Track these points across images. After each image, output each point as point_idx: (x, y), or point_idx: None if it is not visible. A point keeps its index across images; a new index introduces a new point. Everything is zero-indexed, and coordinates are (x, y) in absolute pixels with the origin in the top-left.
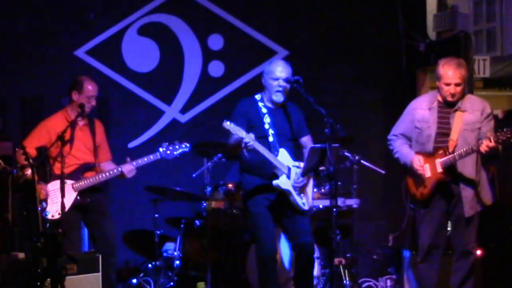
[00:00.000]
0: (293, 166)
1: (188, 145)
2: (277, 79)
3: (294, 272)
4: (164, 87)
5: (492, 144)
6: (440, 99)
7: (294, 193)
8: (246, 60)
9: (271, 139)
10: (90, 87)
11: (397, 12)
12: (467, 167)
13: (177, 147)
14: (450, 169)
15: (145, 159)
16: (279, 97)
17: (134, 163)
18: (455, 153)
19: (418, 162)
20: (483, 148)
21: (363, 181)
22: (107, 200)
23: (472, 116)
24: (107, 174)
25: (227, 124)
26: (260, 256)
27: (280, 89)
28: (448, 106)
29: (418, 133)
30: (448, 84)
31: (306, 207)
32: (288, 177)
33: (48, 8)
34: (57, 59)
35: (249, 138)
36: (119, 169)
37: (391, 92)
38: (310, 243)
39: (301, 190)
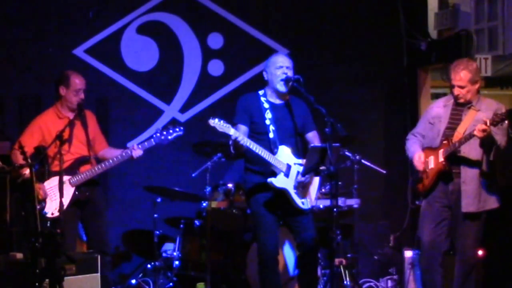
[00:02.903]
0: (295, 164)
1: (182, 128)
2: (281, 67)
3: (298, 270)
4: (163, 86)
5: (485, 127)
6: None
7: (291, 192)
8: (246, 59)
9: (271, 135)
10: (77, 81)
11: (398, 11)
12: (472, 157)
13: (171, 131)
14: (452, 160)
15: (140, 145)
16: (283, 87)
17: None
18: (456, 142)
19: (418, 158)
20: (478, 130)
21: (363, 181)
22: (104, 195)
23: (484, 115)
24: (113, 160)
25: (212, 122)
26: (261, 256)
27: (285, 75)
28: (462, 104)
29: (430, 128)
30: (453, 86)
31: (305, 207)
32: (287, 175)
33: (47, 7)
34: (55, 58)
35: (237, 135)
36: (124, 154)
37: (392, 91)
38: (312, 237)
39: (303, 189)
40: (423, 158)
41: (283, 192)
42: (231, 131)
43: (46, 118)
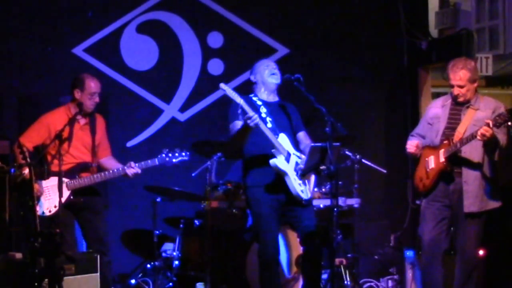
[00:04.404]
0: (294, 154)
1: (188, 153)
2: (268, 65)
3: (302, 264)
4: (163, 86)
5: (488, 129)
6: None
7: (292, 177)
8: (246, 58)
9: (269, 125)
10: (92, 84)
11: (399, 10)
12: (474, 158)
13: (176, 154)
14: (454, 160)
15: (142, 163)
16: (276, 78)
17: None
18: (457, 142)
19: (410, 142)
20: (480, 132)
21: (364, 181)
22: (102, 200)
23: (484, 114)
24: (109, 173)
25: (224, 85)
26: (263, 257)
27: (275, 70)
28: (461, 104)
29: (429, 128)
30: (452, 86)
31: (305, 196)
32: (287, 160)
33: (46, 6)
34: (55, 57)
35: (245, 106)
36: (120, 169)
37: (392, 90)
38: (313, 225)
39: (302, 177)
40: (414, 143)
41: (282, 177)
42: (240, 100)
43: (55, 116)
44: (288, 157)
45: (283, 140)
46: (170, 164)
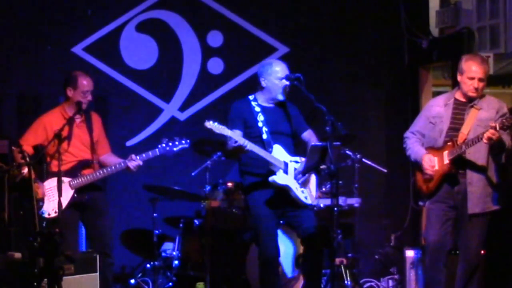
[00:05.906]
0: (291, 161)
1: (188, 141)
2: (282, 78)
3: (302, 264)
4: (163, 85)
5: (494, 132)
6: (457, 96)
7: (293, 188)
8: (246, 57)
9: (264, 136)
10: (84, 82)
11: (399, 9)
12: (479, 159)
13: (176, 143)
14: (458, 161)
15: (144, 155)
16: (283, 96)
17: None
18: (462, 144)
19: (429, 162)
20: (487, 135)
21: (364, 180)
22: (106, 198)
23: (487, 114)
24: (111, 168)
25: (209, 124)
26: (263, 258)
27: (287, 86)
28: (464, 103)
29: (431, 128)
30: (471, 78)
31: (309, 201)
32: (286, 172)
33: (46, 5)
34: (54, 56)
35: (235, 136)
36: (122, 163)
37: (393, 89)
38: (314, 226)
39: (303, 184)
40: (434, 162)
41: (284, 189)
42: (228, 132)
43: (51, 117)
44: (286, 167)
45: (278, 151)
46: (171, 154)
